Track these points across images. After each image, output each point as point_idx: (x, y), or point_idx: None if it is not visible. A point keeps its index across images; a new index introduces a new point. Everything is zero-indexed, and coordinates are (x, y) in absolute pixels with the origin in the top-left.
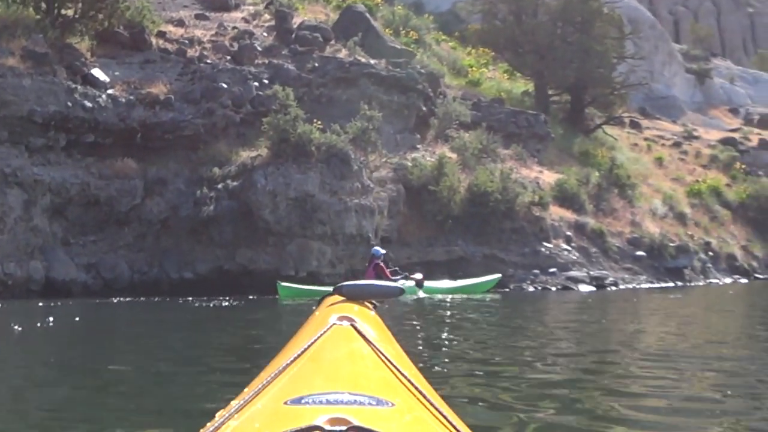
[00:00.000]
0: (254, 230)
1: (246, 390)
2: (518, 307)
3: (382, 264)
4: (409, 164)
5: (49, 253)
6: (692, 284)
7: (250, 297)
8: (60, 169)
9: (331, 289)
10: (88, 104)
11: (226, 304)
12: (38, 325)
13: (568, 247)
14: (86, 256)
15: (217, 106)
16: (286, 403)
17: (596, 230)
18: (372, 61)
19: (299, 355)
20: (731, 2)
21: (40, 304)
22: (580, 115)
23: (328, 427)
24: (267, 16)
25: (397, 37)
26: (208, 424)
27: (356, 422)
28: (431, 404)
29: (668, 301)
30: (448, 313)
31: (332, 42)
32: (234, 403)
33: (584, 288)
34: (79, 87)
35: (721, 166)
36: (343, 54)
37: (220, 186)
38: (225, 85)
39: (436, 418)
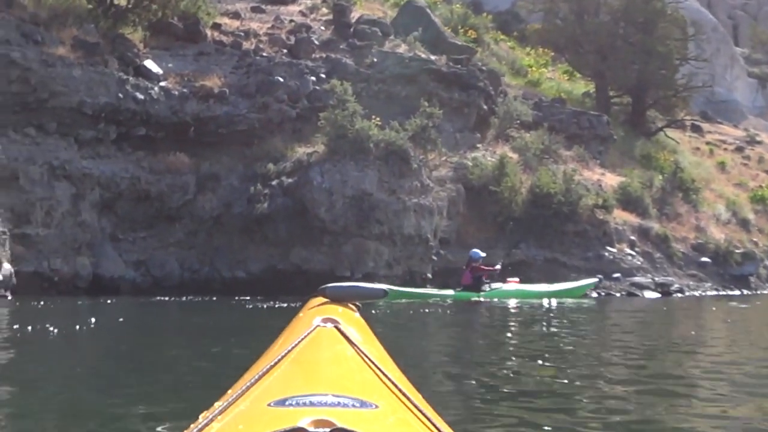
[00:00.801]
0: (309, 229)
1: (230, 391)
2: (614, 313)
3: (482, 266)
4: (470, 164)
5: (97, 249)
6: (758, 292)
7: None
8: (110, 163)
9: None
10: (140, 96)
11: (281, 305)
12: (77, 327)
13: (632, 252)
14: (135, 253)
15: (272, 101)
16: (269, 404)
17: (661, 235)
18: (432, 57)
19: (283, 357)
20: None
21: (77, 302)
22: (641, 118)
23: (311, 429)
24: (324, 10)
25: (456, 36)
26: (192, 426)
27: (339, 424)
28: (415, 406)
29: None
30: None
31: (391, 37)
32: (218, 405)
33: (649, 294)
34: (130, 78)
35: None
36: (402, 49)
37: (274, 183)
38: (281, 79)
39: (420, 420)
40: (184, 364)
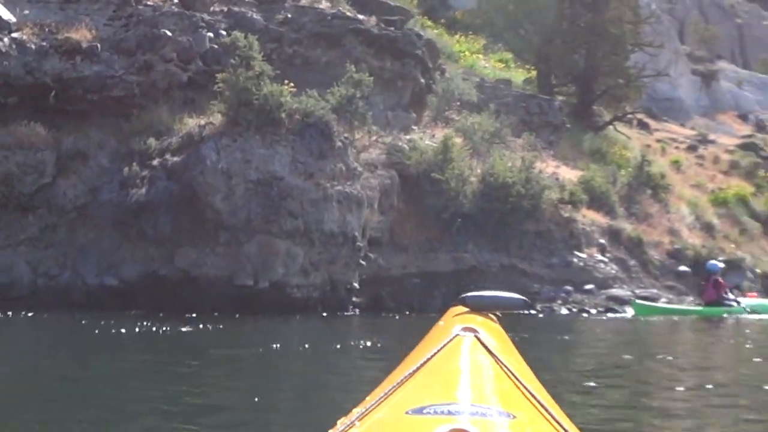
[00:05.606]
0: (201, 223)
1: (368, 398)
2: None
3: (721, 280)
4: (406, 147)
5: None
6: None
7: (193, 315)
8: None
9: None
10: None
11: (164, 329)
12: None
13: (604, 259)
14: None
15: (157, 60)
16: (407, 412)
17: (634, 239)
18: (360, 17)
19: (422, 365)
20: (719, 12)
21: None
22: (587, 110)
23: None
24: None
25: None
26: (330, 431)
27: None
28: (552, 417)
29: None
30: None
31: None
32: (356, 411)
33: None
34: None
35: (743, 172)
36: (324, 5)
37: (155, 162)
38: (169, 33)
39: (557, 431)
40: None
